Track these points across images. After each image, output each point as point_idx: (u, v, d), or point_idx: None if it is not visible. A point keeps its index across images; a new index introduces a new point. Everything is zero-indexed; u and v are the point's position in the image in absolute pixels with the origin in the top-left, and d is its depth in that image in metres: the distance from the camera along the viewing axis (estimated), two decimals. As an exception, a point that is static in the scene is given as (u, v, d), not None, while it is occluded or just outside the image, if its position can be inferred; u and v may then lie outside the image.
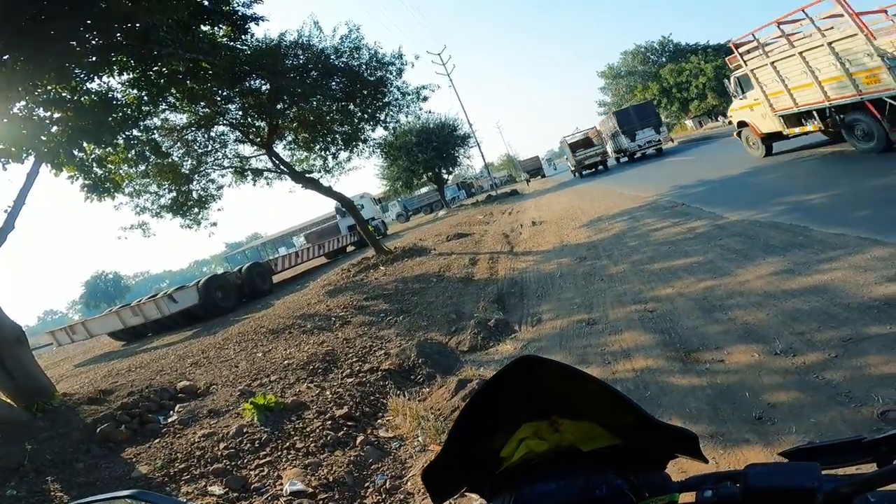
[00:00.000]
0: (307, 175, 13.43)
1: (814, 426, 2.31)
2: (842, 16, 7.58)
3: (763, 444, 2.30)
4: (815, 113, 9.05)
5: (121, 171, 9.28)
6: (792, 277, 4.14)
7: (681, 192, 10.81)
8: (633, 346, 3.89)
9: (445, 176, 36.57)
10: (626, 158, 25.63)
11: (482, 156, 60.97)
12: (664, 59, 53.40)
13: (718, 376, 3.02)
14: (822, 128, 9.36)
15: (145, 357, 8.46)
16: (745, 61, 10.36)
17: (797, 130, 10.03)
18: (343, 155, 14.28)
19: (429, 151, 31.02)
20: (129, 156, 8.85)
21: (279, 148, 13.33)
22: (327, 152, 13.91)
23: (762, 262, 4.72)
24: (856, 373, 2.58)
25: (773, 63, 9.22)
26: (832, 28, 8.01)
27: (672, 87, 50.64)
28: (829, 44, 7.71)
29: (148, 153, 9.47)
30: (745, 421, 2.51)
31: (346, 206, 14.01)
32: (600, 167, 27.72)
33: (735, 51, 10.57)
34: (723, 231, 6.40)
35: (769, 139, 11.27)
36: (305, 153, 14.20)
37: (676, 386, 3.05)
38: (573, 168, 29.38)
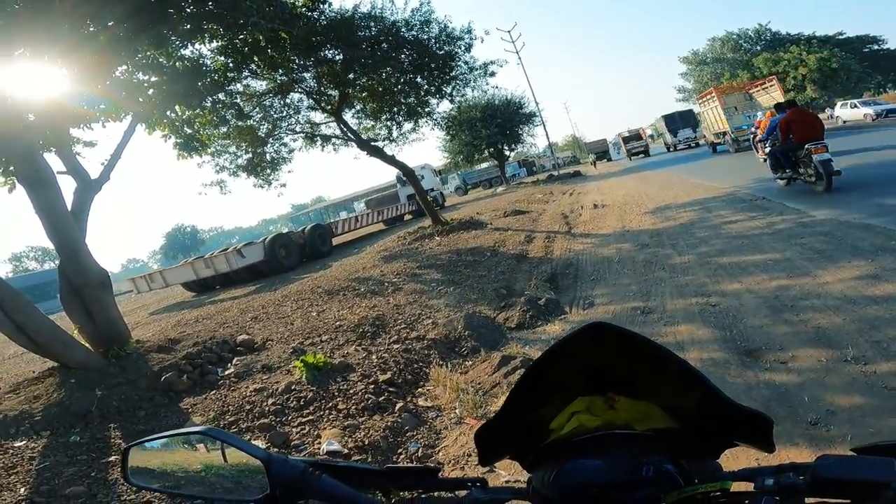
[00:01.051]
0: (372, 143, 13.86)
1: (871, 434, 2.16)
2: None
3: (812, 448, 2.16)
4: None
5: (206, 132, 9.97)
6: (877, 283, 3.77)
7: (763, 186, 9.97)
8: (688, 339, 3.72)
9: (507, 153, 36.08)
10: (672, 149, 34.12)
11: (546, 135, 59.48)
12: (759, 48, 49.84)
13: (778, 377, 2.84)
14: (720, 141, 22.39)
15: (211, 309, 9.06)
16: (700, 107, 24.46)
17: (719, 141, 22.39)
18: (407, 126, 14.63)
19: (492, 127, 30.78)
20: (214, 118, 9.50)
21: (347, 116, 13.82)
22: (393, 122, 14.29)
23: (846, 265, 4.32)
24: None
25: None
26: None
27: (765, 77, 47.21)
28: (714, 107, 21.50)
29: (230, 116, 10.17)
30: (798, 424, 2.37)
31: (407, 175, 14.26)
32: (643, 154, 39.67)
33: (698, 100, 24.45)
34: (806, 229, 5.89)
35: (713, 146, 23.41)
36: (372, 122, 14.64)
37: (730, 384, 2.89)
38: (627, 155, 41.31)
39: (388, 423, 3.27)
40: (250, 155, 12.89)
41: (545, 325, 4.92)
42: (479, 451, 0.72)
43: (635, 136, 41.52)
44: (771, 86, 20.90)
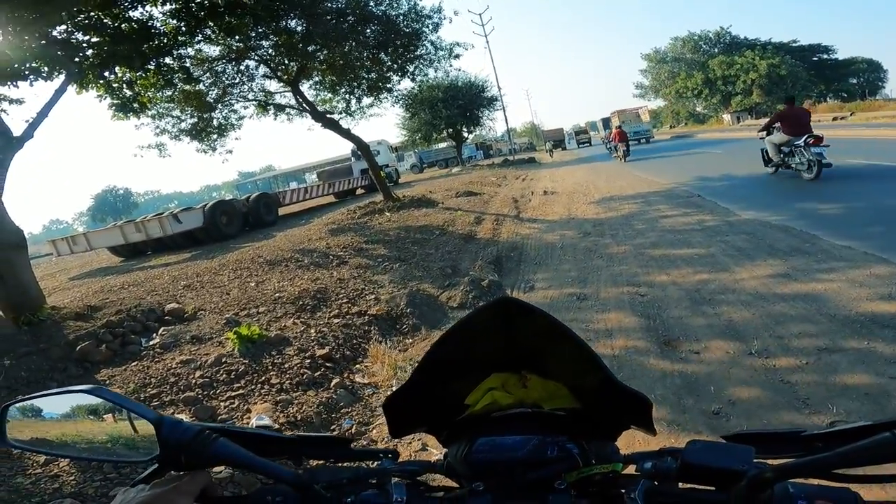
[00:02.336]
0: (328, 115, 13.49)
1: (764, 425, 2.35)
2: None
3: (713, 436, 2.36)
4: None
5: (148, 94, 9.42)
6: (787, 282, 4.12)
7: (701, 184, 10.61)
8: (616, 326, 3.92)
9: (466, 134, 36.12)
10: (616, 150, 39.26)
11: (506, 120, 59.61)
12: (716, 51, 52.12)
13: (690, 367, 3.06)
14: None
15: (140, 275, 8.56)
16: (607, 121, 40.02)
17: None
18: (366, 100, 14.48)
19: (453, 109, 30.81)
20: (158, 81, 8.95)
21: (304, 87, 13.41)
22: (351, 96, 14.06)
23: (762, 263, 4.70)
24: (820, 381, 2.61)
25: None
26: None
27: (718, 79, 49.47)
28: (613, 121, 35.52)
29: (176, 80, 9.61)
30: (702, 413, 2.56)
31: (362, 149, 14.00)
32: (587, 144, 49.37)
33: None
34: (731, 228, 6.34)
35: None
36: (330, 94, 14.29)
37: (649, 371, 3.10)
38: (577, 144, 52.04)
39: (323, 399, 3.24)
40: (196, 119, 12.25)
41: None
42: (388, 422, 0.72)
43: (582, 131, 56.83)
44: (643, 109, 38.84)
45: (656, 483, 0.55)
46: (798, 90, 44.97)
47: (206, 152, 13.13)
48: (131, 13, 7.27)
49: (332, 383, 3.46)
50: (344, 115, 14.50)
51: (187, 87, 10.58)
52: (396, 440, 2.72)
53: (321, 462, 0.73)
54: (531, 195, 13.53)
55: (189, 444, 0.58)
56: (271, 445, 0.68)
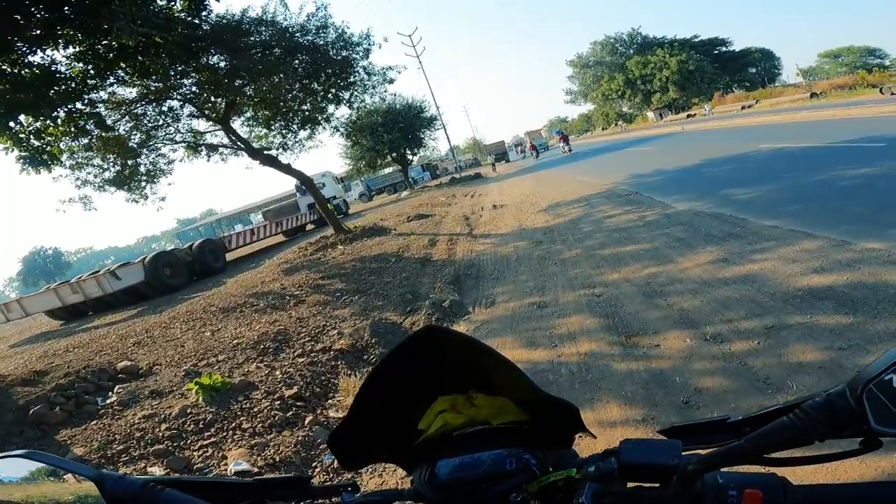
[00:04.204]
0: (265, 152, 13.08)
1: (732, 411, 2.43)
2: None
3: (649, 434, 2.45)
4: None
5: (60, 145, 8.87)
6: (726, 266, 4.39)
7: (637, 182, 11.19)
8: (578, 329, 4.03)
9: (410, 157, 36.38)
10: (532, 154, 43.85)
11: (448, 138, 60.74)
12: (632, 52, 55.01)
13: (654, 361, 3.18)
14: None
15: (84, 337, 8.11)
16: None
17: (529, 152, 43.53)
18: (303, 133, 14.12)
19: (394, 132, 30.78)
20: (70, 129, 8.40)
21: (236, 124, 12.98)
22: (287, 130, 13.65)
23: (701, 251, 5.00)
24: (775, 360, 2.76)
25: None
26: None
27: (637, 79, 52.28)
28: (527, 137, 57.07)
29: (90, 127, 9.02)
30: (673, 405, 2.65)
31: (306, 183, 13.75)
32: (504, 161, 50.93)
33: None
34: (670, 220, 6.72)
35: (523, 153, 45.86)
36: (264, 130, 13.85)
37: (616, 370, 3.19)
38: (518, 153, 56.32)
39: (299, 438, 3.16)
40: (119, 167, 11.48)
41: (451, 327, 5.04)
42: (337, 457, 0.73)
43: (519, 143, 64.18)
44: (542, 129, 51.09)
45: (600, 485, 0.58)
46: (706, 83, 48.41)
47: (137, 202, 12.24)
48: (30, 58, 6.81)
49: (306, 421, 3.38)
50: (282, 150, 14.04)
51: (105, 133, 9.93)
52: (353, 474, 2.69)
53: None
54: (481, 211, 13.77)
55: (134, 498, 0.55)
56: (228, 493, 0.67)
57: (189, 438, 3.33)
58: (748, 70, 55.53)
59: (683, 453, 0.53)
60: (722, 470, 0.49)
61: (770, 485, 0.46)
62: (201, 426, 3.42)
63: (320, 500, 0.73)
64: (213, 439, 3.27)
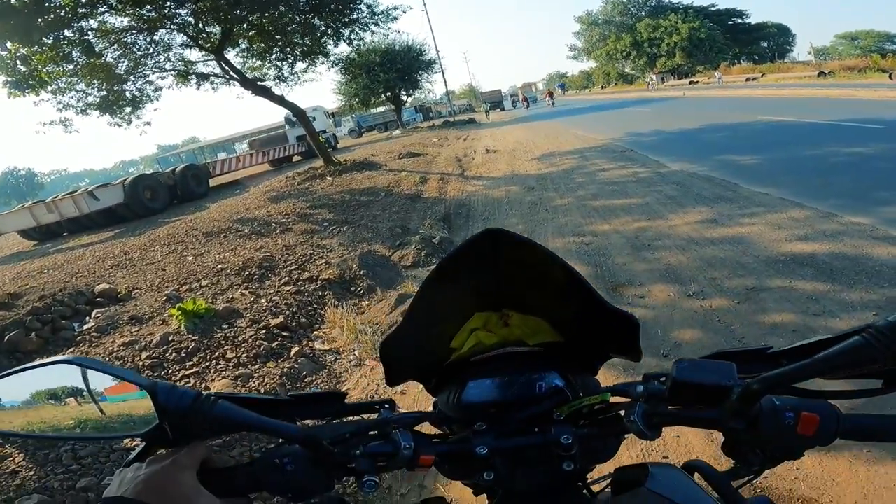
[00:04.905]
0: (259, 83, 12.64)
1: (733, 347, 2.57)
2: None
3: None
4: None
5: (46, 70, 8.47)
6: (715, 227, 4.46)
7: (633, 139, 11.08)
8: (565, 277, 4.08)
9: (404, 98, 35.44)
10: (524, 105, 46.69)
11: (444, 82, 59.07)
12: (644, 14, 53.64)
13: (637, 312, 3.23)
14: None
15: (59, 258, 7.89)
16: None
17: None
18: (300, 66, 13.75)
19: (391, 72, 30.12)
20: (56, 56, 8.07)
21: (231, 54, 12.38)
22: (285, 62, 13.30)
23: (692, 210, 5.04)
24: (752, 320, 2.86)
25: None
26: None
27: (644, 42, 51.25)
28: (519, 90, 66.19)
29: (77, 54, 8.77)
30: (654, 356, 2.73)
31: (298, 115, 13.34)
32: (499, 109, 52.35)
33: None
34: (663, 178, 6.73)
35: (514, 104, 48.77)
36: (259, 62, 13.39)
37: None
38: (511, 104, 57.85)
39: (285, 370, 3.14)
40: (105, 93, 11.01)
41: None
42: (385, 368, 0.70)
43: (514, 94, 64.99)
44: (540, 82, 61.60)
45: (646, 405, 0.57)
46: (715, 53, 47.48)
47: (119, 125, 11.88)
48: None
49: (292, 352, 3.36)
50: (277, 81, 13.72)
51: (91, 60, 9.55)
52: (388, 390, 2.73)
53: (318, 421, 0.70)
54: (474, 154, 13.56)
55: (189, 409, 0.53)
56: (265, 408, 0.64)
57: (170, 368, 3.28)
58: (760, 44, 54.37)
59: None
60: (775, 396, 0.49)
61: (826, 411, 0.47)
62: (183, 355, 3.36)
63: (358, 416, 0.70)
64: (195, 369, 3.22)
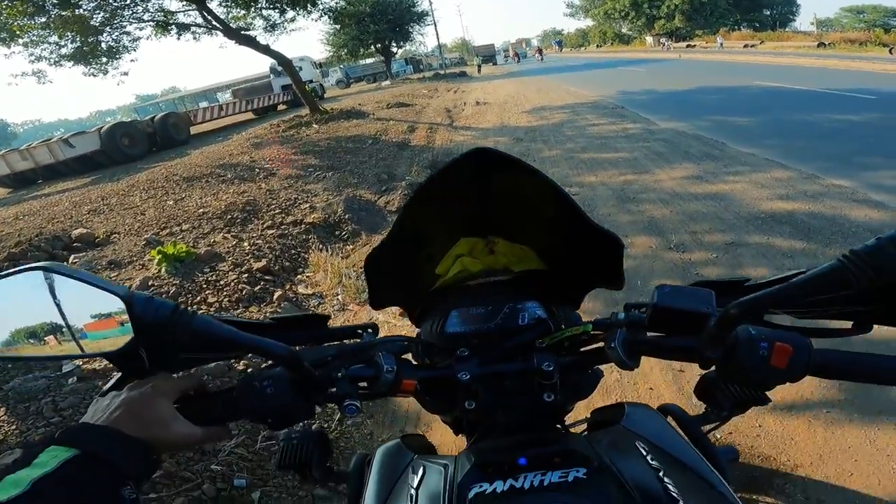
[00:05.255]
0: (243, 32, 12.20)
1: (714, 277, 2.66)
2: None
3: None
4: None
5: (17, 24, 8.16)
6: (699, 183, 4.49)
7: (624, 98, 10.96)
8: (552, 225, 4.12)
9: (395, 50, 34.33)
10: (514, 60, 50.11)
11: (436, 35, 56.96)
12: None
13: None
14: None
15: (35, 204, 7.71)
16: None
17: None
18: (288, 14, 13.31)
19: (381, 23, 29.28)
20: (27, 7, 7.72)
21: (213, 3, 11.78)
22: (274, 9, 12.91)
23: (678, 167, 5.06)
24: (729, 274, 2.91)
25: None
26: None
27: (644, 2, 50.06)
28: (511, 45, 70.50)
29: (49, 6, 8.44)
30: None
31: (283, 64, 12.92)
32: (491, 63, 51.44)
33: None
34: (652, 135, 6.71)
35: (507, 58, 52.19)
36: (243, 11, 12.79)
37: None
38: (503, 59, 60.40)
39: (267, 315, 3.14)
40: (79, 44, 10.58)
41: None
42: (369, 287, 0.69)
43: (507, 49, 65.99)
44: (535, 38, 72.61)
45: (626, 332, 0.57)
46: (716, 17, 46.31)
47: (94, 76, 11.59)
48: None
49: (275, 296, 3.33)
50: (263, 31, 13.34)
51: (64, 12, 9.13)
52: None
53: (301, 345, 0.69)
54: (464, 105, 13.29)
55: (167, 321, 0.49)
56: (246, 330, 0.62)
57: None
58: (762, 11, 52.88)
59: None
60: (751, 326, 0.49)
61: (799, 342, 0.47)
62: (164, 299, 3.35)
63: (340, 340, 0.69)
64: None
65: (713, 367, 0.53)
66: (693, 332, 0.51)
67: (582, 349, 0.64)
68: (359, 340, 0.66)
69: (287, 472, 0.70)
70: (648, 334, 0.56)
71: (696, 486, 0.51)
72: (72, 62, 10.92)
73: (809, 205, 3.68)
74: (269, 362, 0.58)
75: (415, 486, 0.55)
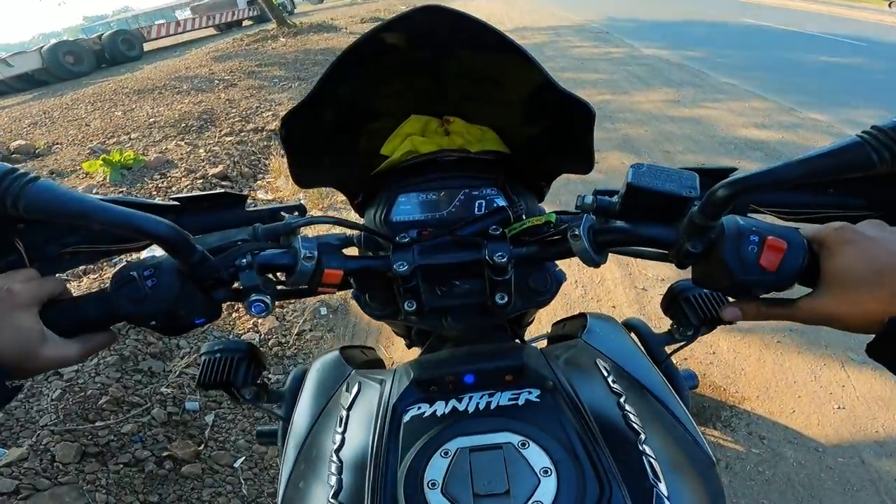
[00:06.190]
0: None
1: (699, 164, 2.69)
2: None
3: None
4: None
5: None
6: (677, 107, 4.44)
7: (610, 23, 10.61)
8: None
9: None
10: None
11: (415, -57, 53.09)
12: None
13: (590, 176, 3.25)
14: None
15: (-30, 120, 7.11)
16: None
17: None
18: None
19: None
20: None
21: None
22: None
23: (657, 90, 4.98)
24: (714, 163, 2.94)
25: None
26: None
27: None
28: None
29: None
30: None
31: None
32: None
33: None
34: (634, 60, 6.53)
35: None
36: None
37: (555, 182, 3.25)
38: None
39: (169, 195, 3.02)
40: None
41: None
42: (288, 157, 0.54)
43: None
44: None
45: (595, 218, 0.47)
46: None
47: None
48: None
49: (232, 202, 3.22)
50: None
51: None
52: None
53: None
54: (441, 25, 12.70)
55: None
56: (146, 211, 0.49)
57: None
58: None
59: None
60: (738, 217, 0.41)
61: (794, 239, 0.39)
62: None
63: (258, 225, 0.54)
64: None
65: (687, 275, 0.45)
66: (671, 221, 0.43)
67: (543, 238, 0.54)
68: (280, 223, 0.52)
69: (209, 391, 0.60)
70: (619, 223, 0.46)
71: (658, 416, 0.46)
72: None
73: (783, 134, 3.70)
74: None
75: (347, 405, 0.48)
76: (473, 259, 0.51)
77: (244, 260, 0.45)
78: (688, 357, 1.78)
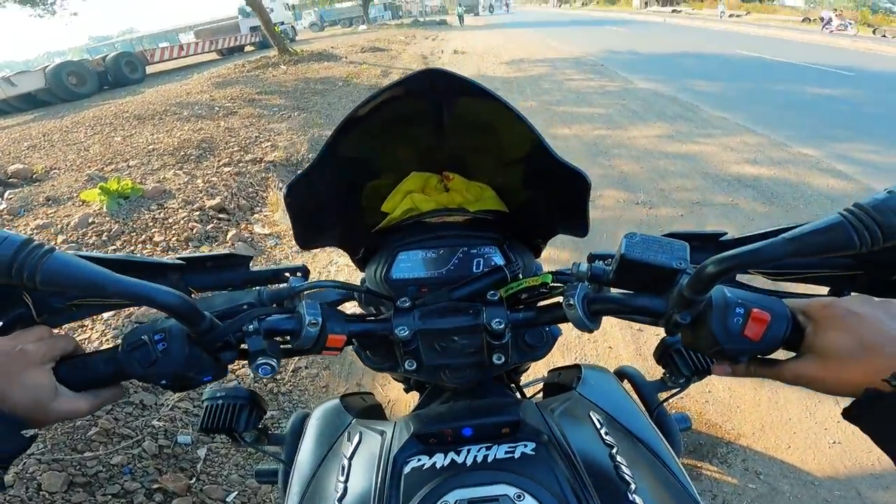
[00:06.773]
0: None
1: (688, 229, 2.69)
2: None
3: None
4: None
5: None
6: (671, 142, 4.50)
7: (606, 56, 10.84)
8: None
9: (373, -7, 32.58)
10: (488, 12, 49.19)
11: (420, -20, 54.42)
12: None
13: (591, 214, 3.26)
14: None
15: (-30, 141, 7.13)
16: None
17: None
18: None
19: None
20: None
21: None
22: None
23: (652, 125, 5.06)
24: (703, 228, 2.92)
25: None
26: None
27: None
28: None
29: None
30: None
31: (252, 3, 12.01)
32: (473, 14, 49.43)
33: None
34: (629, 94, 6.67)
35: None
36: None
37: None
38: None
39: (177, 254, 2.99)
40: None
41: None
42: (293, 221, 0.55)
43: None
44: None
45: (589, 285, 0.50)
46: None
47: (41, 16, 10.66)
48: None
49: (228, 236, 3.16)
50: None
51: None
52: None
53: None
54: (441, 53, 12.90)
55: (10, 261, 0.37)
56: (147, 273, 0.51)
57: (90, 252, 3.05)
58: None
59: None
60: (727, 288, 0.43)
61: (777, 310, 0.41)
62: (105, 238, 3.06)
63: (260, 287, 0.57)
64: (119, 253, 3.02)
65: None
66: (662, 291, 0.44)
67: (539, 304, 0.56)
68: (285, 285, 0.55)
69: (213, 435, 0.61)
70: (612, 291, 0.48)
71: (648, 464, 0.48)
72: (17, 4, 10.25)
73: (775, 170, 3.75)
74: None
75: (348, 454, 0.49)
76: (472, 325, 0.53)
77: (251, 326, 0.47)
78: (683, 396, 1.78)
